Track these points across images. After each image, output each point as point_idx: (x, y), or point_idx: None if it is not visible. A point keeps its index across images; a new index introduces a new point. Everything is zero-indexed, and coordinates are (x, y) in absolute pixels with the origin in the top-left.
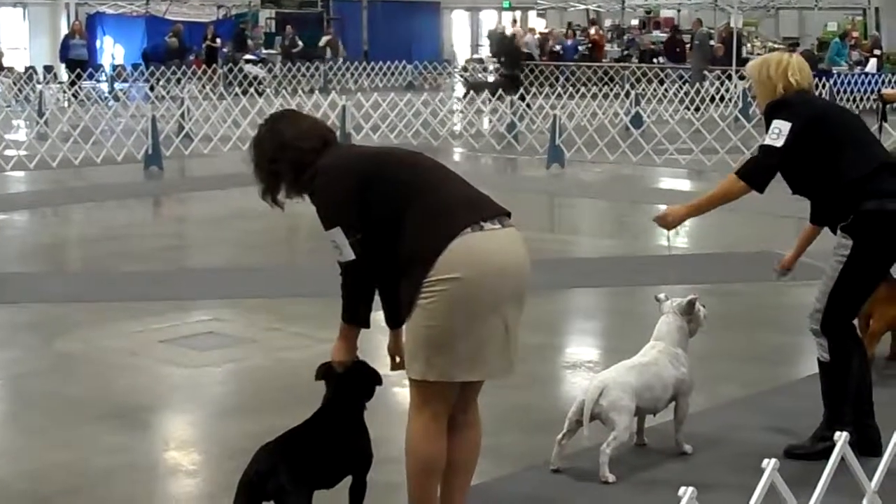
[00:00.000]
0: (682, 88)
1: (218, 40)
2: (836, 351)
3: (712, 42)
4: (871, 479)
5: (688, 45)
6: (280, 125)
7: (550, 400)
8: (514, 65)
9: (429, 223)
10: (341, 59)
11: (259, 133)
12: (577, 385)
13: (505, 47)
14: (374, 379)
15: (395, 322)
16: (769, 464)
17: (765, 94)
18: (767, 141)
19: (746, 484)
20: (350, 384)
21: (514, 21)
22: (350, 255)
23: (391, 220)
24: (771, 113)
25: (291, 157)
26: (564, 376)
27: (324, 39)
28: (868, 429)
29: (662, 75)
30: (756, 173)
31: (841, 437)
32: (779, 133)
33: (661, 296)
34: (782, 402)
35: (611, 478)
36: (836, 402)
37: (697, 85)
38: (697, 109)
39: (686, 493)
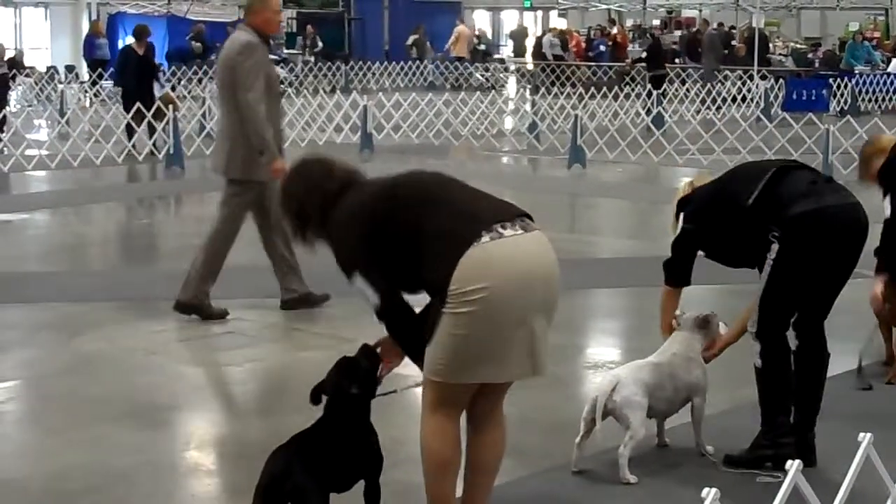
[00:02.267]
0: (703, 88)
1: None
2: (767, 357)
3: (734, 42)
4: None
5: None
6: (307, 169)
7: (572, 401)
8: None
9: (439, 246)
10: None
11: (288, 177)
12: (594, 384)
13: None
14: (365, 365)
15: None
16: (793, 465)
17: None
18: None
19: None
20: (344, 374)
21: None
22: (376, 298)
23: (410, 257)
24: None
25: (317, 201)
26: (586, 377)
27: (411, 39)
28: (805, 439)
29: (684, 75)
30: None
31: (793, 466)
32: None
33: (677, 312)
34: None
35: (632, 479)
36: (770, 411)
37: (709, 85)
38: (718, 109)
39: (710, 494)
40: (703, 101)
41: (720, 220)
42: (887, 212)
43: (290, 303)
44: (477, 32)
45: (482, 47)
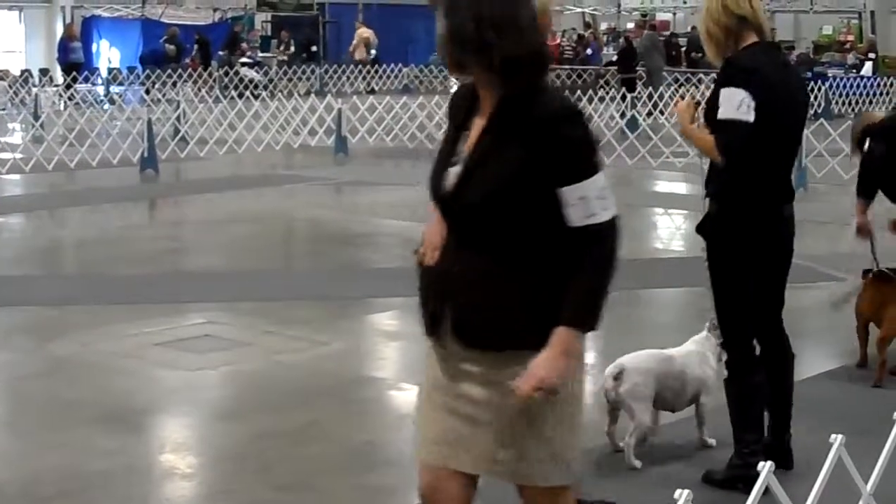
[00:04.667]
0: (677, 91)
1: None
2: (731, 368)
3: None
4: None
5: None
6: None
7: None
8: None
9: None
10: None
11: None
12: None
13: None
14: None
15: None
16: (765, 466)
17: None
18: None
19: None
20: None
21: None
22: (613, 207)
23: None
24: None
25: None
26: None
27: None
28: (781, 442)
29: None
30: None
31: (765, 468)
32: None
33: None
34: None
35: (637, 464)
36: (738, 426)
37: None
38: (650, 114)
39: (682, 495)
40: (676, 105)
41: None
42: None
43: None
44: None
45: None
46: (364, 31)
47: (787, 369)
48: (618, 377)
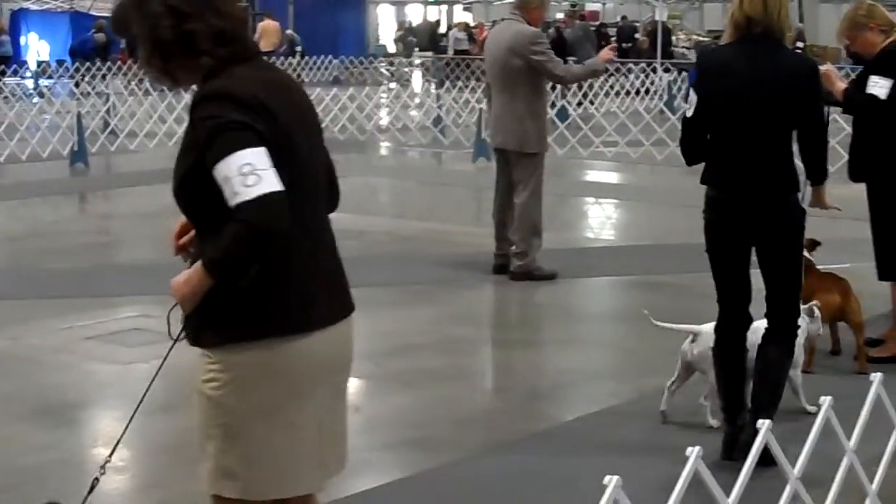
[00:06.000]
0: (607, 81)
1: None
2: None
3: (637, 35)
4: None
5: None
6: None
7: (478, 392)
8: None
9: None
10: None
11: None
12: (501, 377)
13: None
14: None
15: None
16: (692, 452)
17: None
18: None
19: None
20: None
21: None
22: (264, 186)
23: None
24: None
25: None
26: (490, 369)
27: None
28: (738, 430)
29: None
30: None
31: (693, 452)
32: None
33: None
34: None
35: (714, 423)
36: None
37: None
38: (580, 104)
39: (612, 481)
40: (606, 94)
41: None
42: (882, 92)
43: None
44: (289, 31)
45: (298, 48)
46: (268, 24)
47: (734, 360)
48: (694, 339)
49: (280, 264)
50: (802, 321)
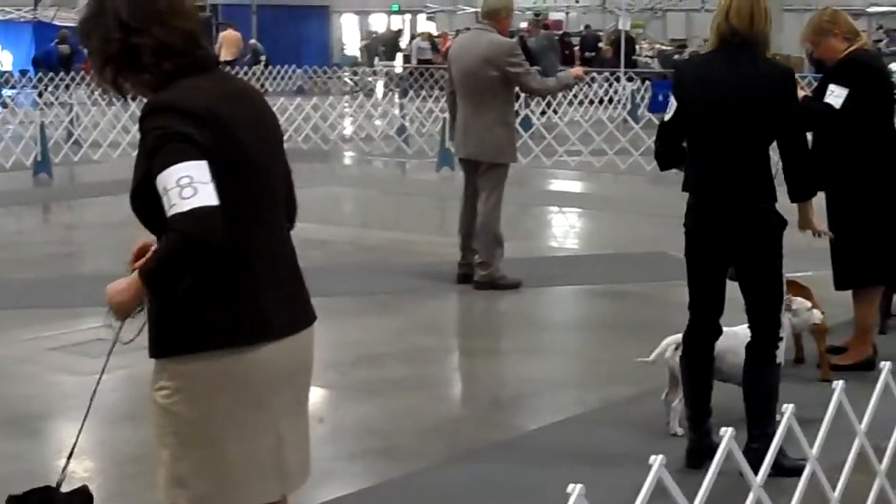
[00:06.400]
0: (571, 90)
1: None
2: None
3: (601, 45)
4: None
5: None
6: None
7: (442, 402)
8: None
9: None
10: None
11: None
12: (466, 386)
13: None
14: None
15: None
16: (656, 460)
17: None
18: None
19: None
20: None
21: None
22: (199, 199)
23: None
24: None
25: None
26: (454, 378)
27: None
28: (703, 437)
29: None
30: None
31: (657, 460)
32: None
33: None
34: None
35: (679, 431)
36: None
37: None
38: (543, 114)
39: (575, 490)
40: (570, 103)
41: None
42: (837, 102)
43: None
44: (252, 41)
45: (262, 58)
46: (229, 34)
47: (697, 370)
48: (678, 347)
49: (233, 276)
50: (784, 317)
